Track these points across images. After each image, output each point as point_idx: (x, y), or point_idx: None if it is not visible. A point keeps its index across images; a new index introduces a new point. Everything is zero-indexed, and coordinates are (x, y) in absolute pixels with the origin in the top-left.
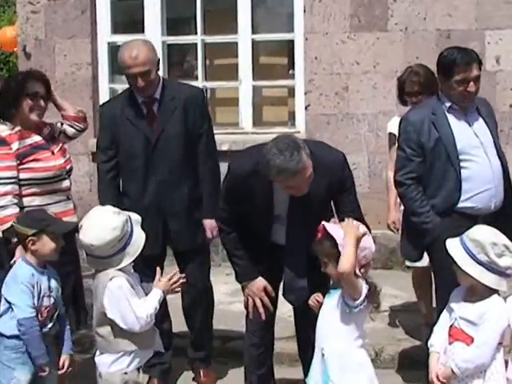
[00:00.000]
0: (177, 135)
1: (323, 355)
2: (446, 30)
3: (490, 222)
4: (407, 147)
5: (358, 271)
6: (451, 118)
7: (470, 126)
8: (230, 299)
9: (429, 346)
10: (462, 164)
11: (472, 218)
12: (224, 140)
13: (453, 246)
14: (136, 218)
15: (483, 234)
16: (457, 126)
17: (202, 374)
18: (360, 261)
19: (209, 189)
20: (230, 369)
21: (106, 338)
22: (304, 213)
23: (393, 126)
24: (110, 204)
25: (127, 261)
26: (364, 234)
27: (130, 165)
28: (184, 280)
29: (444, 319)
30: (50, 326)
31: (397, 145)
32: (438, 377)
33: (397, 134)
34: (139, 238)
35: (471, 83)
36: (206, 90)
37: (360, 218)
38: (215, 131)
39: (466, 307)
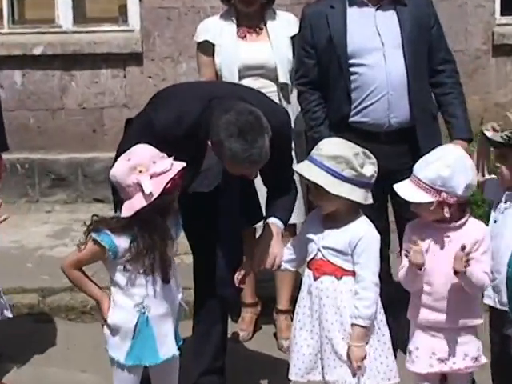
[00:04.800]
0: None
1: None
2: None
3: (394, 142)
4: (300, 47)
5: None
6: (352, 13)
7: (374, 22)
8: (52, 242)
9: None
10: (352, 69)
11: (370, 137)
12: (37, 41)
13: (308, 171)
14: None
15: (340, 147)
16: (356, 22)
17: None
18: None
19: None
20: (57, 328)
21: None
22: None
23: (208, 31)
24: None
25: None
26: None
27: None
28: None
29: (289, 252)
30: None
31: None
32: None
33: (215, 41)
34: None
35: None
36: None
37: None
38: (24, 30)
39: (330, 235)
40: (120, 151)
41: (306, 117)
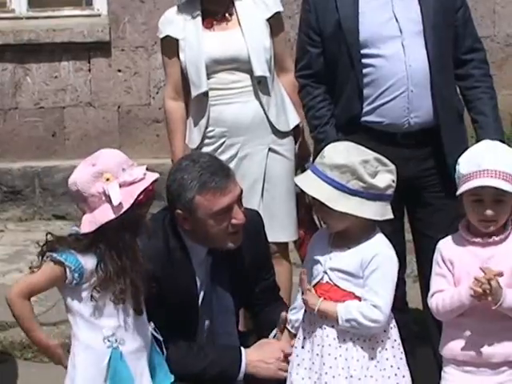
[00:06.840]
0: None
1: None
2: None
3: (413, 145)
4: (303, 33)
5: None
6: None
7: (390, 5)
8: (4, 267)
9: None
10: (364, 61)
11: (384, 138)
12: None
13: (309, 183)
14: None
15: (346, 154)
16: (369, 6)
17: None
18: None
19: None
20: (11, 369)
21: None
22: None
23: (169, 25)
24: None
25: None
26: None
27: None
28: None
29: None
30: None
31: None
32: None
33: (177, 36)
34: None
35: None
36: None
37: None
38: None
39: (339, 255)
40: None
41: (309, 115)
